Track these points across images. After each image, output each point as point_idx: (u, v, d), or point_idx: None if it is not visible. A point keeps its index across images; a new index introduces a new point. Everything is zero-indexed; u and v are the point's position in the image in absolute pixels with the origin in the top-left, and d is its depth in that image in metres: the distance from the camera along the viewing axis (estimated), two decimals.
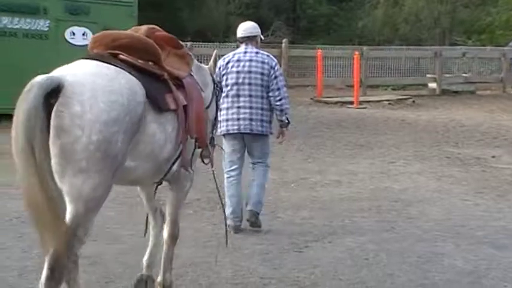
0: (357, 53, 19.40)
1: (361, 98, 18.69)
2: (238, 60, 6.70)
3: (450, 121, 15.37)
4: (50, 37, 12.94)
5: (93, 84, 3.76)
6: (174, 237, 4.75)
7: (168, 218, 4.75)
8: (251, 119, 6.61)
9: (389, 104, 18.39)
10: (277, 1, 34.50)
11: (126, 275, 5.15)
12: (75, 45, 12.86)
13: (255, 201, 6.67)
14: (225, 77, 6.70)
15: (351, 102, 18.23)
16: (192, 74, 4.68)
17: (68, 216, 3.71)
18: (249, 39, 6.80)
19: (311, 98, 18.58)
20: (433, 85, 21.78)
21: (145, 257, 4.82)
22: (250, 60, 6.68)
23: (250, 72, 6.65)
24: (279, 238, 6.30)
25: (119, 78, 3.93)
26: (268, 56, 6.80)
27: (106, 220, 6.66)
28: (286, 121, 6.77)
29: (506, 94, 21.96)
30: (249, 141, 6.70)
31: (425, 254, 5.92)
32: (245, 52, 6.75)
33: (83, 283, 4.19)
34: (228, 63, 6.73)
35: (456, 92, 21.33)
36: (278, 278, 5.24)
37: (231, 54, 6.84)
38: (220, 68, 6.69)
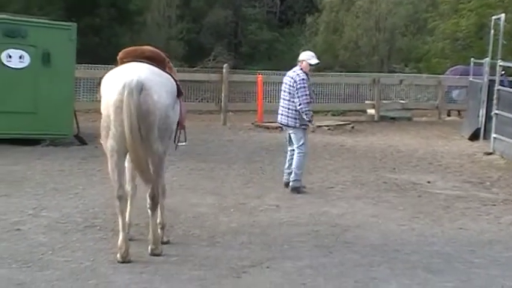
0: None
1: None
2: (286, 75, 10.07)
3: (388, 147, 15.61)
4: None
5: (154, 80, 6.03)
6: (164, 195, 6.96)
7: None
8: (282, 115, 9.99)
9: (328, 129, 18.57)
10: (218, 27, 34.65)
11: None
12: (11, 68, 12.51)
13: (293, 179, 9.83)
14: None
15: None
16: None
17: (151, 165, 6.09)
18: (298, 62, 10.04)
19: (252, 123, 18.66)
20: (371, 111, 22.09)
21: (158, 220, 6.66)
22: (288, 76, 9.95)
23: (286, 84, 9.96)
24: (217, 263, 6.28)
25: (163, 74, 6.29)
26: (297, 74, 9.79)
27: (38, 246, 6.55)
28: (307, 119, 9.76)
29: (441, 121, 22.47)
30: (288, 130, 10.09)
31: (361, 279, 6.00)
32: (291, 70, 10.02)
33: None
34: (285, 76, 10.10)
35: (393, 118, 21.63)
36: None
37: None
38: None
